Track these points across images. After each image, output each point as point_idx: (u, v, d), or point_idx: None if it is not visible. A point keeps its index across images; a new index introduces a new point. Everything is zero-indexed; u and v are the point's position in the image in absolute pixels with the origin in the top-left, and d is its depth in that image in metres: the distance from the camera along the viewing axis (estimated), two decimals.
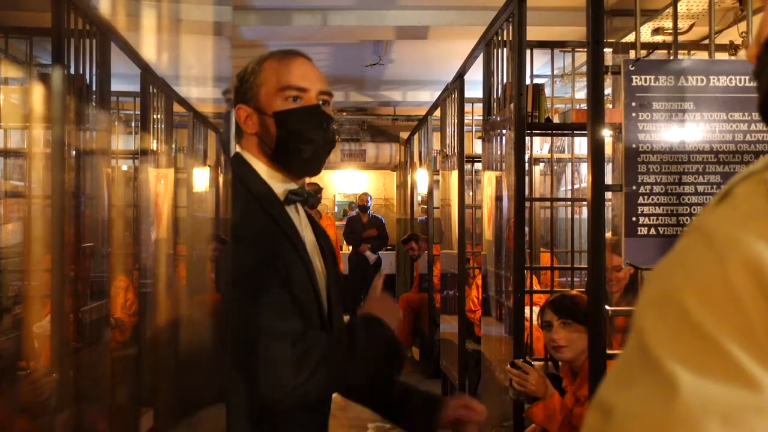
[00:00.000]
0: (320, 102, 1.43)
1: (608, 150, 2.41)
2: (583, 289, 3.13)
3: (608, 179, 2.16)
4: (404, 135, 9.01)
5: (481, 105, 3.73)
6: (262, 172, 1.42)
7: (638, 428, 0.38)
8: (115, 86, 3.34)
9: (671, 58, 2.23)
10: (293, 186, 1.45)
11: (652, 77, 2.05)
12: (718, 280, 0.38)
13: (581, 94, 3.80)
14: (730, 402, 0.36)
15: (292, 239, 1.37)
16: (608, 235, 2.35)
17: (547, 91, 3.66)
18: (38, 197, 2.51)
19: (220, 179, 5.63)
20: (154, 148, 4.17)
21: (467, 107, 4.63)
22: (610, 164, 2.84)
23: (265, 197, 1.40)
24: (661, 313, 0.40)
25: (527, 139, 3.06)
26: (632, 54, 2.18)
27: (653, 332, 0.40)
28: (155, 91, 4.09)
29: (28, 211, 2.54)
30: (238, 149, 1.46)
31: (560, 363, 2.60)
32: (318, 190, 8.48)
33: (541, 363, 2.83)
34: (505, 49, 3.10)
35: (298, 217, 1.45)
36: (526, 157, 3.01)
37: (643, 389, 0.38)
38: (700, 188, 2.05)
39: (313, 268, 1.38)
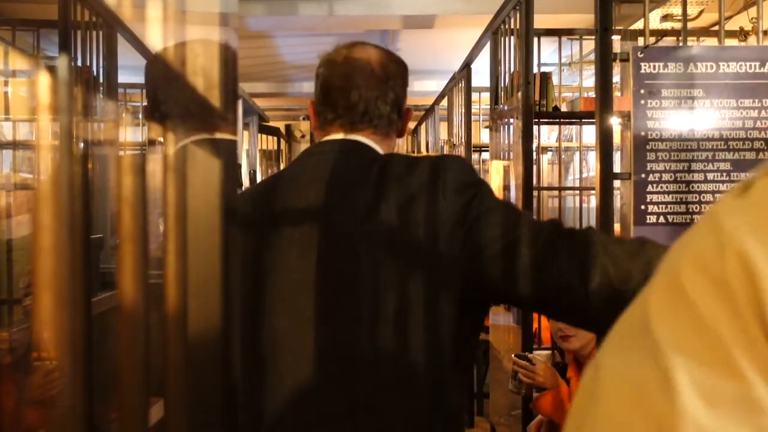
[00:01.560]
0: None
1: (617, 138, 2.39)
2: None
3: (617, 167, 2.15)
4: (411, 125, 8.99)
5: (488, 94, 3.71)
6: None
7: (621, 388, 0.40)
8: (122, 78, 3.34)
9: (680, 44, 2.21)
10: None
11: (661, 64, 2.03)
12: (714, 266, 0.40)
13: (589, 82, 3.77)
14: (710, 385, 0.38)
15: None
16: (616, 227, 2.35)
17: (555, 80, 3.64)
18: (46, 189, 2.52)
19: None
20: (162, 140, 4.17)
21: (474, 96, 4.61)
22: (619, 152, 2.82)
23: None
24: (663, 287, 0.42)
25: (535, 127, 3.05)
26: (641, 41, 2.16)
27: (652, 303, 0.42)
28: None
29: (37, 203, 2.55)
30: None
31: (566, 352, 2.59)
32: None
33: (548, 352, 2.83)
34: (512, 38, 3.08)
35: None
36: (534, 146, 3.00)
37: (633, 355, 0.41)
38: (710, 176, 2.03)
39: None
